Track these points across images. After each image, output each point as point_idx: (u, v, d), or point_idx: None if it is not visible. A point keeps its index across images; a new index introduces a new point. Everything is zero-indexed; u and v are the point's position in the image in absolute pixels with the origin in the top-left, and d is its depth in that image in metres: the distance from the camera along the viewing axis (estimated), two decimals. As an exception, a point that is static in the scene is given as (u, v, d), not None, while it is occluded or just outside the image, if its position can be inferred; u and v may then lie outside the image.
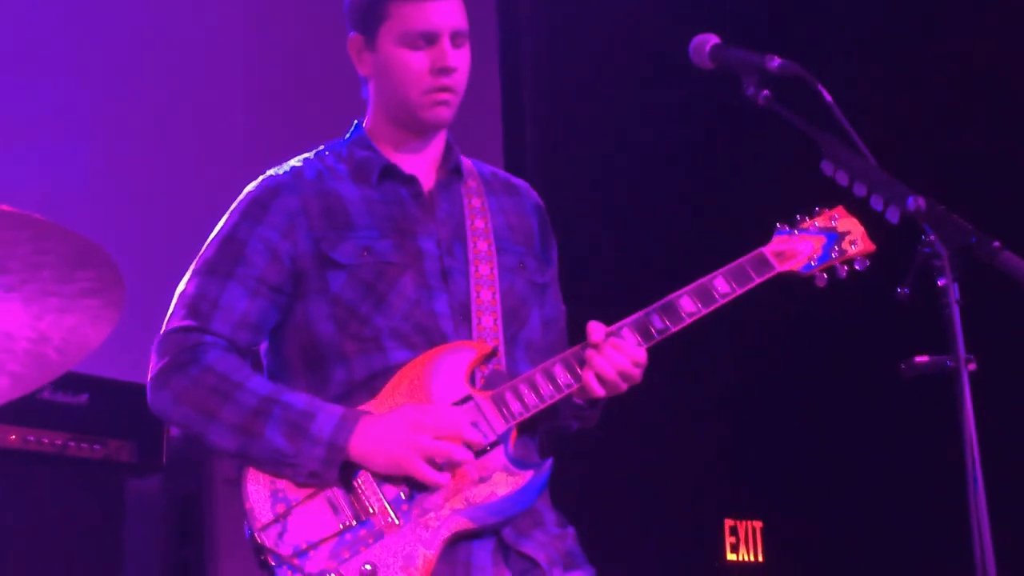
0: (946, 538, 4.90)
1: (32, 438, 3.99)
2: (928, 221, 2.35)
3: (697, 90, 4.76)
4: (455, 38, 2.78)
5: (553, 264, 2.99)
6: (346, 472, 2.59)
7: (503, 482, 2.63)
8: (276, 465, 2.59)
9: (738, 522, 5.33)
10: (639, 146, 5.53)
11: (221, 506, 4.28)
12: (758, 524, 5.35)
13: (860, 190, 2.47)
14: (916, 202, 2.36)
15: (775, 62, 2.63)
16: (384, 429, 2.58)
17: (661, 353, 2.76)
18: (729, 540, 5.30)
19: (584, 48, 5.49)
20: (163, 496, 4.31)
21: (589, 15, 5.50)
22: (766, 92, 2.63)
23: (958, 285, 2.30)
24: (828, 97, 2.54)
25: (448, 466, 2.58)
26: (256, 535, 2.58)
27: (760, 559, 5.33)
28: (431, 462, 2.57)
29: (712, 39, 2.75)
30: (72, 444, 4.08)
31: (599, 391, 2.68)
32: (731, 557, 5.29)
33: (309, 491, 2.60)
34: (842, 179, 2.50)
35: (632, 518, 4.96)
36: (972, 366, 2.28)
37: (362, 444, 2.57)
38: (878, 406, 5.14)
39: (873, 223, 2.58)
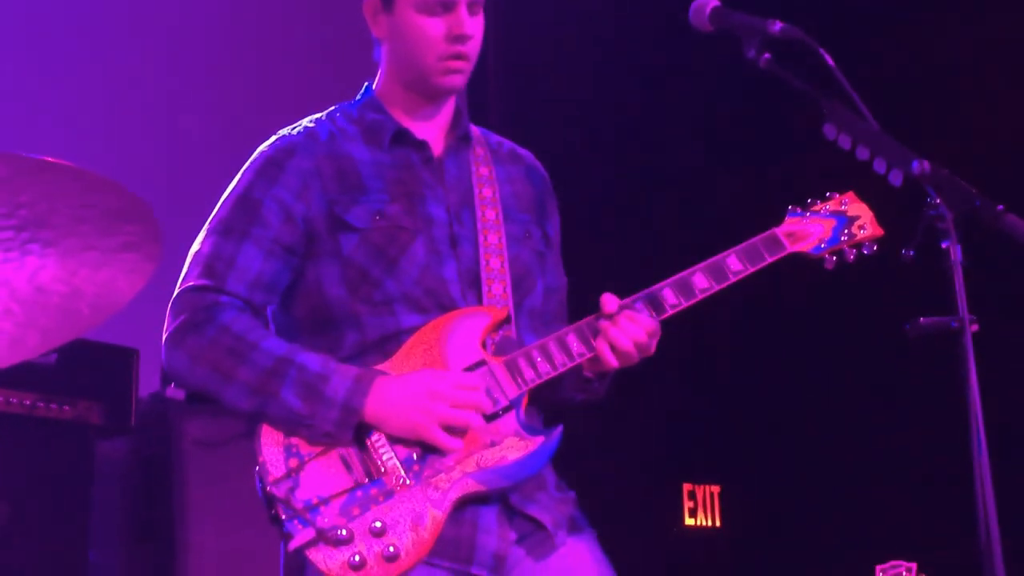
0: (907, 500, 5.06)
1: (1, 398, 3.97)
2: (932, 184, 2.39)
3: (709, 64, 4.83)
4: (471, 6, 2.79)
5: (557, 231, 3.00)
6: (360, 431, 2.60)
7: (514, 447, 2.65)
8: (291, 425, 2.60)
9: (696, 487, 5.40)
10: (647, 121, 5.57)
11: (190, 468, 4.28)
12: (716, 489, 5.43)
13: (863, 154, 2.51)
14: (921, 165, 2.40)
15: (776, 26, 2.65)
16: (401, 393, 2.60)
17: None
18: (687, 504, 5.38)
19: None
20: (131, 457, 4.29)
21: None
22: (767, 55, 2.67)
23: (961, 247, 2.37)
24: (830, 61, 2.58)
25: (461, 433, 2.60)
26: (268, 488, 2.58)
27: (717, 524, 5.41)
28: (446, 428, 2.59)
29: (712, 2, 2.77)
30: (41, 404, 4.06)
31: (613, 362, 2.71)
32: (689, 521, 5.37)
33: (322, 447, 2.61)
34: (844, 143, 2.54)
35: (592, 482, 5.01)
36: (975, 327, 2.35)
37: (377, 406, 2.59)
38: (841, 370, 5.22)
39: (879, 196, 2.62)
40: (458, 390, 2.61)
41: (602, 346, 2.70)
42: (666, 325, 2.78)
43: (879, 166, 2.49)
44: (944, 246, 2.37)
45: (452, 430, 2.60)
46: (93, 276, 2.01)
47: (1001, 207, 2.35)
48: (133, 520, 4.30)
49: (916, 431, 4.93)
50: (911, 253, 2.40)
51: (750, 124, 5.28)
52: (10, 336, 2.08)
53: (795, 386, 5.32)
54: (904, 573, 3.19)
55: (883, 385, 5.07)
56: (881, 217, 2.88)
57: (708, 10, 2.76)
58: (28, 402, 4.03)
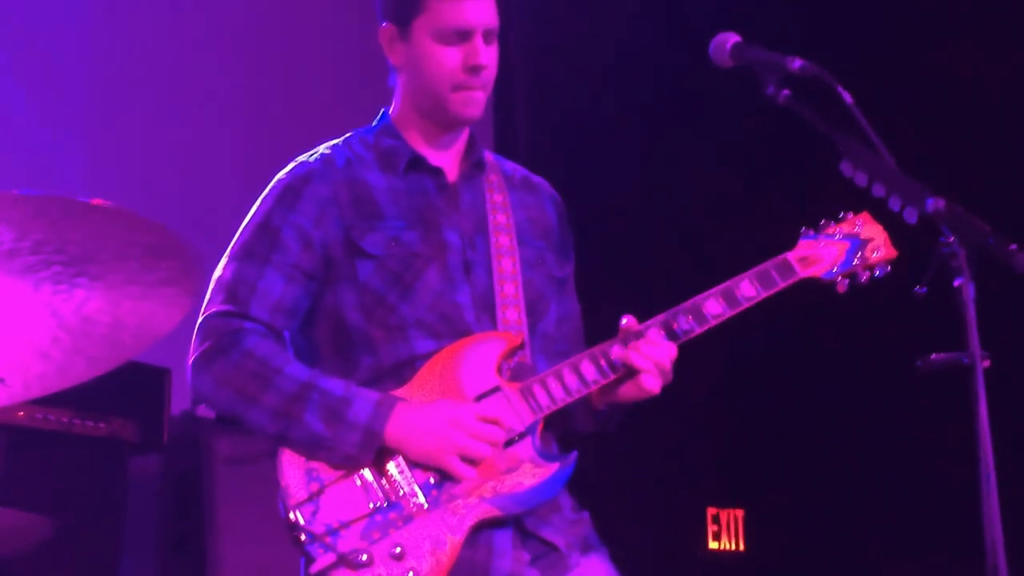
0: (922, 528, 5.11)
1: (39, 415, 4.07)
2: (947, 222, 2.44)
3: (718, 88, 4.88)
4: (487, 36, 2.85)
5: (571, 260, 3.06)
6: (379, 455, 2.68)
7: (529, 473, 2.71)
8: (314, 448, 2.68)
9: (720, 511, 5.47)
10: (658, 145, 5.63)
11: (219, 484, 4.37)
12: (740, 513, 5.49)
13: (879, 191, 2.56)
14: (936, 204, 2.46)
15: (796, 63, 2.69)
16: (421, 420, 2.67)
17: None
18: (711, 528, 5.44)
19: (585, 40, 5.58)
20: (163, 473, 4.39)
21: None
22: (786, 91, 2.72)
23: (974, 284, 2.43)
24: (848, 98, 2.64)
25: (477, 463, 2.67)
26: (290, 512, 2.67)
27: (741, 548, 5.48)
28: (463, 458, 2.66)
29: (733, 37, 2.79)
30: (77, 422, 4.17)
31: (651, 385, 2.74)
32: (713, 545, 5.44)
33: (342, 471, 2.68)
34: (861, 180, 2.59)
35: (616, 506, 5.09)
36: (986, 363, 2.41)
37: (398, 431, 2.66)
38: (864, 400, 5.28)
39: (895, 226, 2.67)
40: (477, 422, 2.68)
41: (643, 378, 2.74)
42: (694, 350, 2.82)
43: (894, 203, 2.53)
44: (957, 283, 2.43)
45: (468, 460, 2.67)
46: (135, 308, 2.11)
47: (1014, 246, 2.42)
48: (165, 534, 4.39)
49: (936, 458, 4.99)
50: (924, 290, 2.47)
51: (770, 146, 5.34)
52: (58, 364, 2.19)
53: (816, 413, 5.38)
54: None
55: (900, 413, 5.13)
56: (898, 245, 2.89)
57: (729, 46, 2.80)
58: (65, 419, 4.14)
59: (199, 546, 4.30)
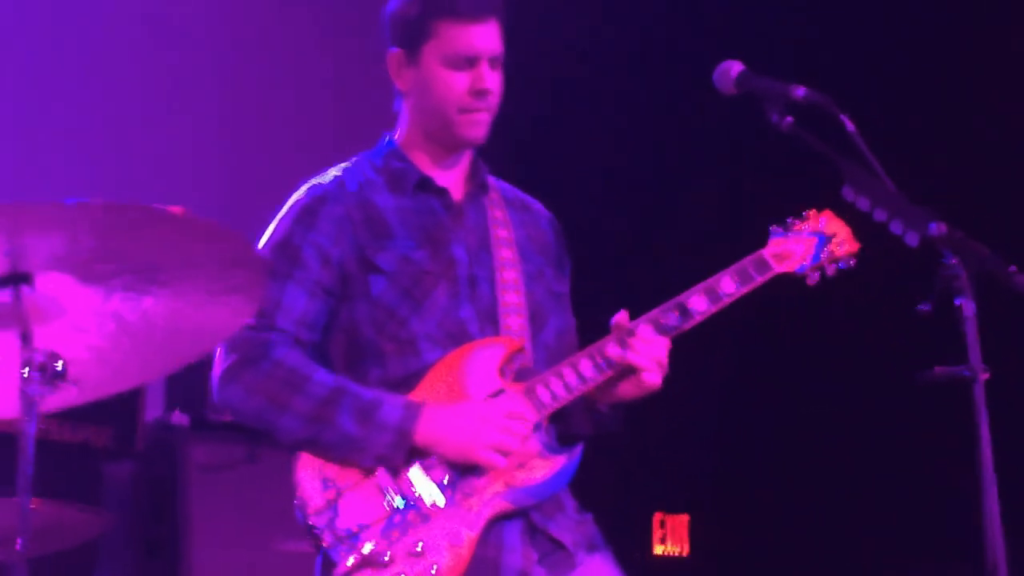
0: (869, 533, 5.25)
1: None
2: (948, 246, 2.56)
3: (679, 96, 4.96)
4: (493, 62, 2.94)
5: (568, 277, 3.15)
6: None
7: (539, 467, 2.81)
8: (345, 450, 2.74)
9: (667, 516, 5.57)
10: (620, 148, 5.75)
11: (193, 490, 4.39)
12: (685, 518, 5.60)
13: (880, 215, 2.65)
14: (939, 228, 2.57)
15: (800, 91, 2.77)
16: (451, 419, 2.76)
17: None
18: (658, 533, 5.54)
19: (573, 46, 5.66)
20: (137, 479, 4.39)
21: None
22: (789, 119, 2.82)
23: (974, 303, 2.54)
24: (850, 126, 2.73)
25: (507, 455, 2.76)
26: (310, 519, 2.73)
27: (685, 552, 5.58)
28: (495, 450, 2.75)
29: (737, 66, 2.86)
30: (54, 428, 4.17)
31: (653, 380, 2.84)
32: (658, 550, 5.54)
33: (357, 477, 2.75)
34: (863, 204, 2.68)
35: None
36: (986, 376, 2.52)
37: (428, 431, 2.74)
38: (805, 408, 5.41)
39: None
40: (505, 417, 2.77)
41: (644, 376, 2.83)
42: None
43: (895, 227, 2.62)
44: (958, 303, 2.54)
45: (500, 452, 2.76)
46: (196, 315, 2.15)
47: (1013, 268, 2.53)
48: (139, 539, 4.39)
49: (882, 465, 5.15)
50: (928, 308, 2.57)
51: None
52: (115, 367, 2.22)
53: (767, 423, 5.52)
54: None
55: (851, 423, 5.28)
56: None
57: (733, 74, 2.86)
58: (42, 426, 4.09)
59: (173, 551, 4.31)
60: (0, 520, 2.51)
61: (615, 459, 5.42)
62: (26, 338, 2.02)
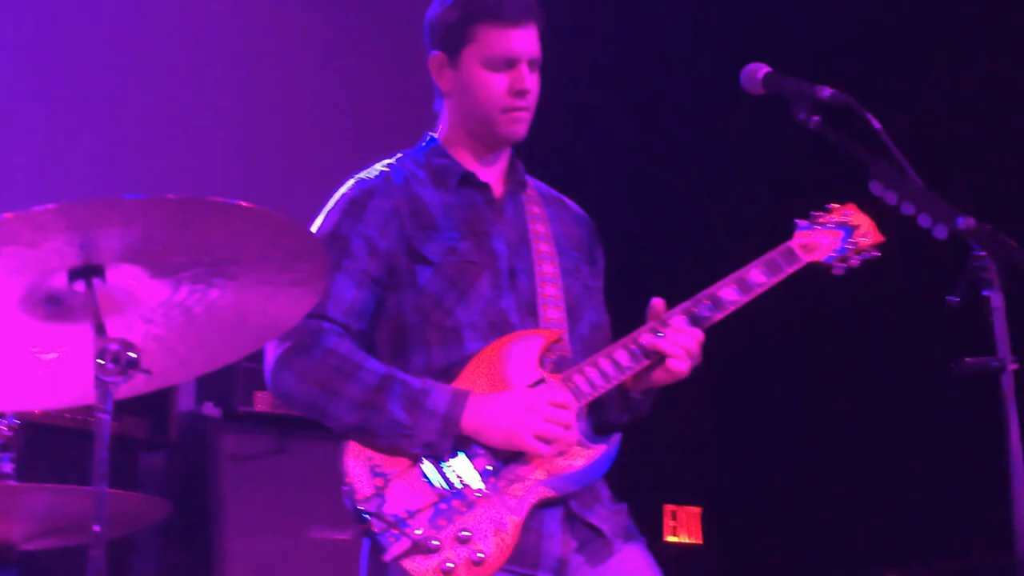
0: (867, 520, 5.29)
1: (55, 412, 4.09)
2: (976, 239, 2.59)
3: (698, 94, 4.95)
4: (531, 64, 2.99)
5: (601, 275, 3.19)
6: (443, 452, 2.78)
7: (579, 455, 2.84)
8: (394, 437, 2.77)
9: (678, 507, 5.60)
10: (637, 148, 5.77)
11: (224, 479, 4.43)
12: (697, 510, 5.62)
13: (908, 209, 2.69)
14: (967, 222, 2.60)
15: (826, 91, 2.80)
16: (497, 407, 2.78)
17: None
18: (670, 524, 5.57)
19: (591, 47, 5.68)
20: (171, 469, 4.42)
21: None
22: (816, 118, 2.86)
23: (1002, 295, 2.58)
24: (876, 124, 2.76)
25: (551, 443, 2.79)
26: (359, 506, 2.75)
27: (698, 541, 5.61)
28: (539, 438, 2.78)
29: (763, 68, 2.90)
30: (92, 419, 4.18)
31: (680, 367, 2.88)
32: (671, 539, 5.57)
33: (404, 465, 2.78)
34: (891, 199, 2.71)
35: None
36: (1014, 366, 2.56)
37: (474, 419, 2.77)
38: (811, 402, 5.45)
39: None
40: (549, 406, 2.80)
41: (671, 362, 2.88)
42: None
43: (924, 221, 2.66)
44: (986, 294, 2.57)
45: (544, 440, 2.79)
46: (262, 306, 2.18)
47: (1041, 260, 2.57)
48: (172, 527, 4.42)
49: (899, 454, 5.17)
50: (956, 299, 2.60)
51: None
52: (181, 357, 2.24)
53: (776, 418, 5.56)
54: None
55: (866, 413, 5.31)
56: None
57: (760, 75, 2.90)
58: (80, 417, 4.17)
59: (205, 537, 4.34)
60: (68, 507, 2.51)
61: (626, 453, 5.48)
62: (100, 328, 2.04)
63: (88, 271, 2.06)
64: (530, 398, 2.80)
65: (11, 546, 2.53)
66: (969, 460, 4.33)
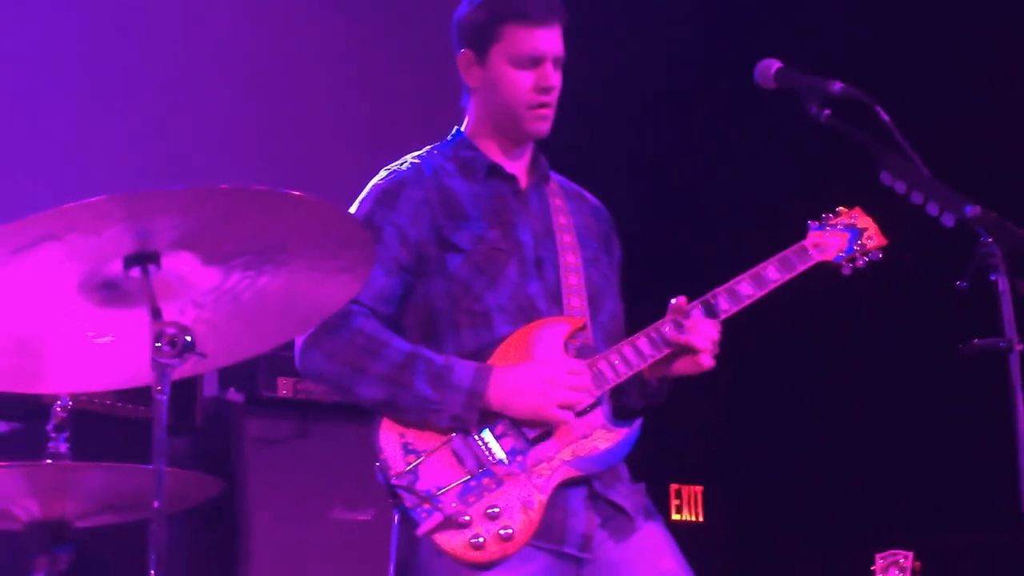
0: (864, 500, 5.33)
1: (84, 398, 4.11)
2: (983, 226, 2.62)
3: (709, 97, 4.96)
4: (556, 62, 3.04)
5: (618, 264, 3.24)
6: (470, 426, 2.82)
7: (603, 437, 2.89)
8: (421, 412, 2.81)
9: (682, 487, 5.65)
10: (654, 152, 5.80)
11: (248, 463, 4.45)
12: (699, 489, 5.67)
13: (917, 198, 2.72)
14: (974, 210, 2.64)
15: (837, 86, 2.84)
16: (519, 380, 2.83)
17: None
18: (674, 503, 5.62)
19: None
20: (196, 453, 4.44)
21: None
22: (828, 111, 2.89)
23: (1010, 277, 2.62)
24: (885, 117, 2.81)
25: (574, 410, 2.85)
26: (392, 481, 2.79)
27: (700, 519, 5.67)
28: (561, 407, 2.83)
29: (776, 63, 2.95)
30: (120, 404, 4.21)
31: (707, 362, 2.94)
32: (675, 517, 5.62)
33: (436, 443, 2.82)
34: (900, 188, 2.74)
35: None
36: (1020, 347, 2.60)
37: (498, 391, 2.82)
38: (807, 383, 5.48)
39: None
40: (569, 375, 2.85)
41: (702, 357, 2.94)
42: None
43: (932, 209, 2.70)
44: (993, 279, 2.62)
45: (567, 408, 2.84)
46: (309, 291, 2.20)
47: (1045, 247, 2.61)
48: (198, 509, 4.44)
49: (889, 434, 5.21)
50: (965, 284, 2.64)
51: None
52: (230, 341, 2.27)
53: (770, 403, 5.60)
54: (901, 560, 3.43)
55: (864, 394, 5.35)
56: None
57: (772, 71, 2.94)
58: (108, 402, 4.19)
59: (230, 519, 4.36)
60: (121, 485, 2.54)
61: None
62: (157, 313, 2.07)
63: (144, 258, 2.08)
64: (550, 370, 2.85)
65: (67, 523, 2.56)
66: (976, 441, 4.37)
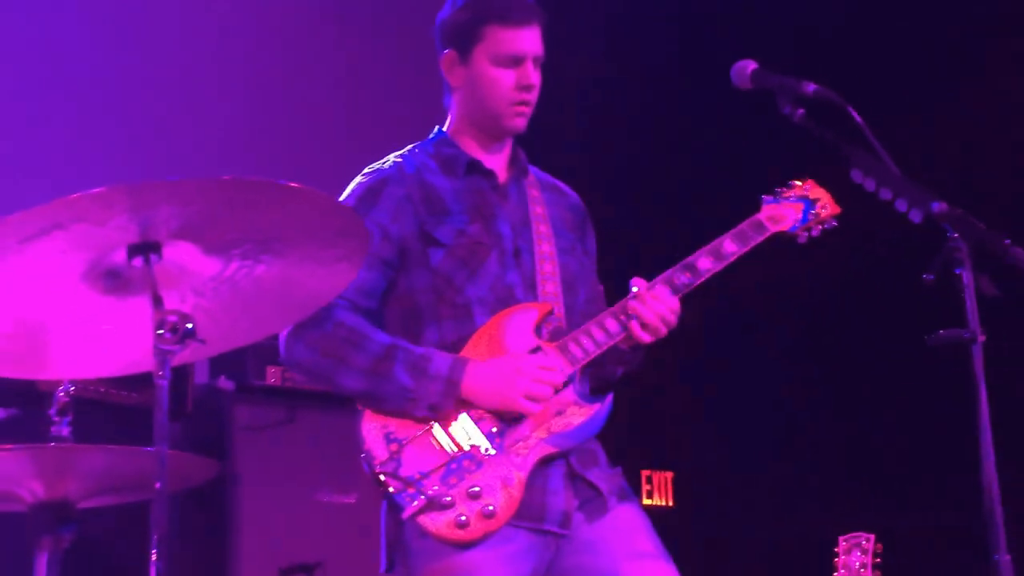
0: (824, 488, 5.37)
1: (79, 385, 4.09)
2: (949, 222, 2.65)
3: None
4: (536, 61, 3.07)
5: (593, 250, 3.28)
6: (447, 416, 2.85)
7: (576, 413, 2.93)
8: (400, 401, 2.84)
9: (653, 472, 5.68)
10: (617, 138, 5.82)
11: (238, 448, 4.47)
12: (669, 475, 5.70)
13: (886, 195, 2.76)
14: (940, 206, 2.67)
15: (811, 87, 2.87)
16: (491, 371, 2.86)
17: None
18: (645, 488, 5.65)
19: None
20: (187, 438, 4.44)
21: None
22: (801, 111, 2.92)
23: (973, 273, 2.64)
24: (858, 117, 2.83)
25: (540, 402, 2.87)
26: (377, 469, 2.82)
27: (671, 504, 5.70)
28: (528, 398, 2.86)
29: (751, 64, 2.98)
30: (113, 391, 4.21)
31: (645, 337, 2.96)
32: (647, 502, 5.64)
33: (416, 431, 2.85)
34: (870, 186, 2.77)
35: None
36: (983, 338, 2.63)
37: (472, 381, 2.85)
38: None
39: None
40: (538, 369, 2.88)
41: (634, 324, 2.97)
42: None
43: (900, 205, 2.72)
44: (958, 272, 2.64)
45: (533, 399, 2.87)
46: (305, 280, 2.21)
47: (1008, 241, 2.63)
48: (189, 493, 4.45)
49: (856, 420, 5.25)
50: (931, 277, 2.66)
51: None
52: (226, 328, 2.28)
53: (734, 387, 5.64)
54: (863, 543, 3.45)
55: (831, 384, 5.39)
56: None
57: (748, 71, 2.97)
58: (102, 389, 4.18)
59: (221, 503, 4.37)
60: (122, 467, 2.55)
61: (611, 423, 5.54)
62: (158, 301, 2.07)
63: (146, 248, 2.09)
64: (520, 363, 2.88)
65: (70, 504, 2.56)
66: (939, 427, 4.41)
